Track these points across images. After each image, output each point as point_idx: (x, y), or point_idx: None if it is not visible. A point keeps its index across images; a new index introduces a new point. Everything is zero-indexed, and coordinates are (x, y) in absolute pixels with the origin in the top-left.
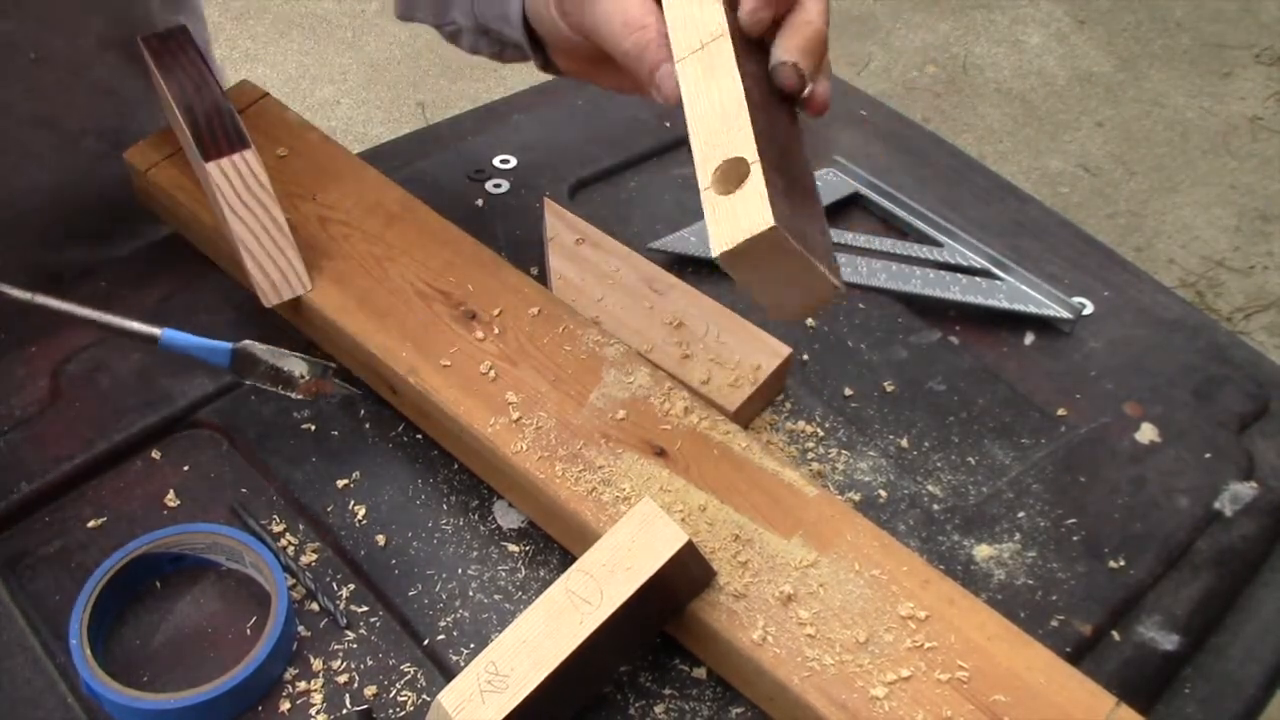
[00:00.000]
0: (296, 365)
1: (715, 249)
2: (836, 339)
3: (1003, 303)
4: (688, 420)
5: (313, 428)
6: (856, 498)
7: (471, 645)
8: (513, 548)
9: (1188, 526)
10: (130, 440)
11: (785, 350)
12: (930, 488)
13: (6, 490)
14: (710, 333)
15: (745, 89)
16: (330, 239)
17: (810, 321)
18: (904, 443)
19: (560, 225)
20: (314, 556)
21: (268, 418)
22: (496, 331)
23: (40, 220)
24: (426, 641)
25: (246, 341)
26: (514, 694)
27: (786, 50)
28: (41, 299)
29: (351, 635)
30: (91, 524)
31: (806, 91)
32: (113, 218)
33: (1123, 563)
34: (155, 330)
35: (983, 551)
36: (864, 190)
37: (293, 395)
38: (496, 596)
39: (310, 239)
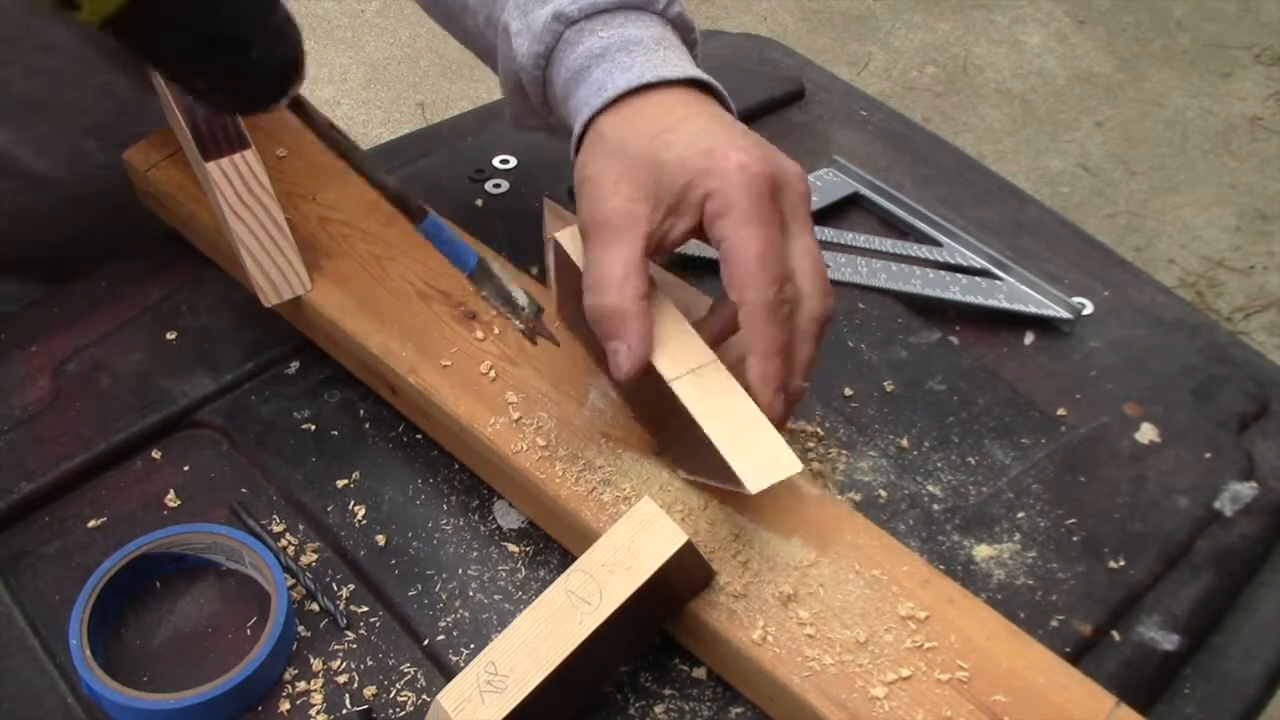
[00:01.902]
0: (521, 295)
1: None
2: (836, 339)
3: (1003, 303)
4: None
5: (313, 428)
6: (856, 498)
7: (471, 645)
8: (513, 548)
9: (1188, 526)
10: (130, 440)
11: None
12: (930, 488)
13: (6, 490)
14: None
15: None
16: (330, 239)
17: None
18: (904, 443)
19: (560, 225)
20: (314, 556)
21: (268, 418)
22: (496, 331)
23: (37, 215)
24: (426, 641)
25: (490, 257)
26: (513, 694)
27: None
28: None
29: (351, 635)
30: (91, 524)
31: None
32: (112, 217)
33: (1123, 563)
34: (425, 208)
35: (983, 551)
36: (864, 190)
37: (517, 322)
38: (496, 596)
39: (310, 239)
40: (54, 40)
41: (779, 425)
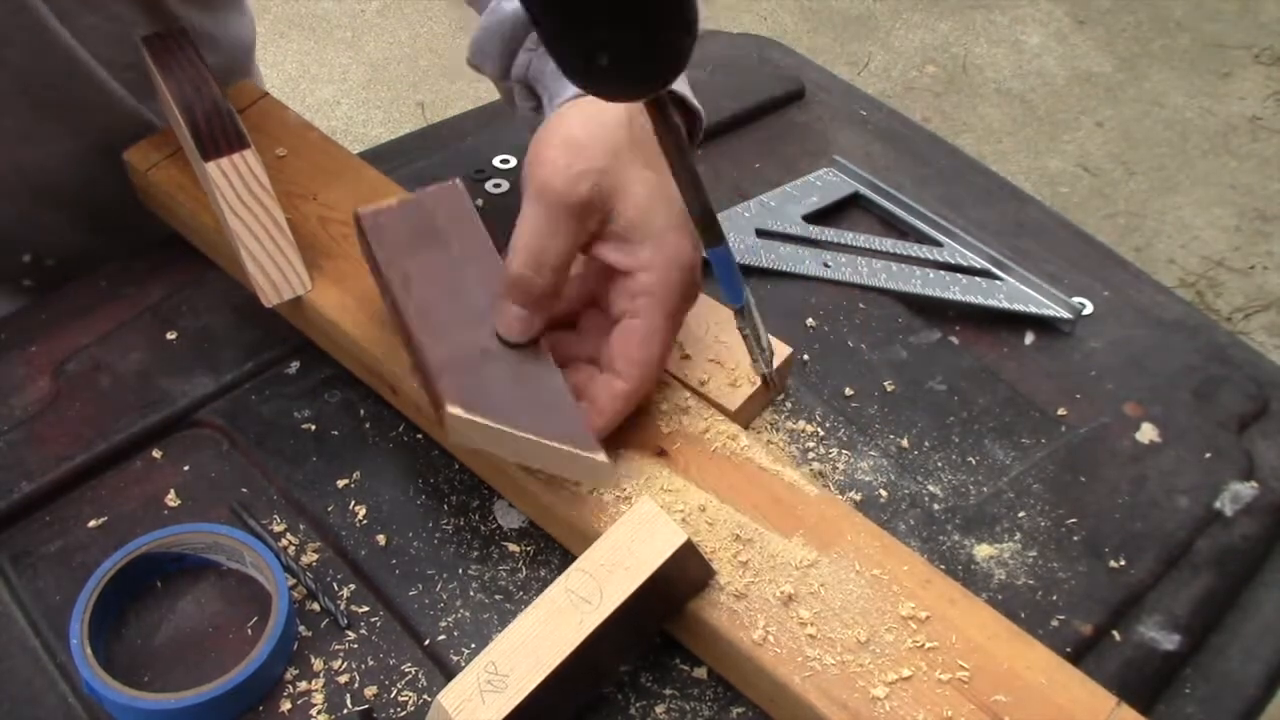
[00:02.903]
0: (766, 338)
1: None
2: (836, 339)
3: (1003, 303)
4: (688, 420)
5: (313, 428)
6: (857, 498)
7: (472, 645)
8: (513, 548)
9: (1188, 526)
10: (130, 440)
11: (785, 350)
12: (931, 487)
13: (7, 490)
14: (710, 333)
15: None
16: (330, 239)
17: (810, 321)
18: (904, 443)
19: None
20: (314, 556)
21: (268, 418)
22: None
23: (63, 193)
24: (427, 641)
25: (753, 300)
26: (514, 694)
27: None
28: None
29: (352, 635)
30: (92, 524)
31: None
32: (112, 217)
33: (1123, 563)
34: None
35: (983, 551)
36: (864, 190)
37: (762, 366)
38: (497, 596)
39: (310, 239)
40: (53, 41)
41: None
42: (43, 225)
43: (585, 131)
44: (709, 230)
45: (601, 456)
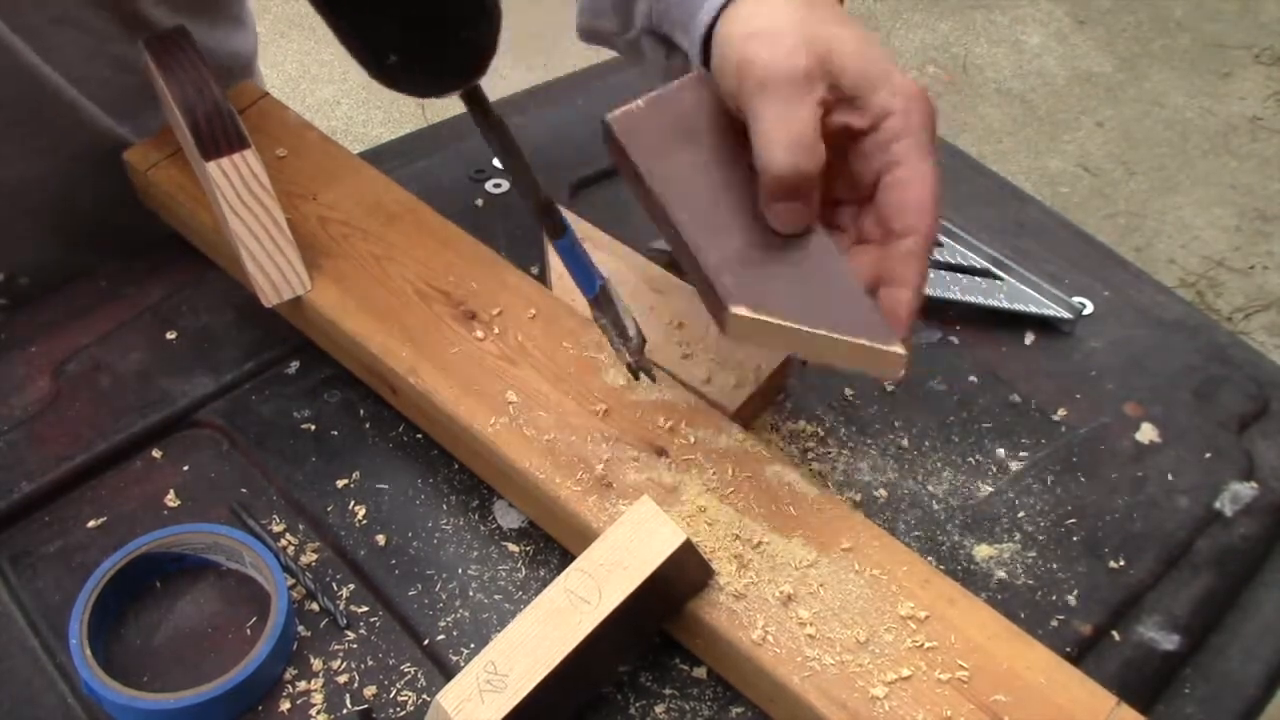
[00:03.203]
0: (633, 326)
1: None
2: None
3: (1003, 303)
4: (688, 420)
5: (313, 428)
6: (856, 498)
7: (472, 645)
8: (513, 548)
9: (1188, 526)
10: (130, 440)
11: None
12: (930, 487)
13: (6, 490)
14: (711, 333)
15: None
16: (330, 239)
17: None
18: (904, 442)
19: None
20: (314, 556)
21: (268, 418)
22: (496, 331)
23: (37, 211)
24: (426, 641)
25: (611, 284)
26: (513, 693)
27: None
28: None
29: (351, 635)
30: (91, 524)
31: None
32: (86, 236)
33: (1123, 563)
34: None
35: (983, 551)
36: None
37: (627, 355)
38: (496, 596)
39: (310, 239)
40: (52, 44)
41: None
42: (15, 244)
43: (769, 20)
44: (551, 223)
45: (899, 348)
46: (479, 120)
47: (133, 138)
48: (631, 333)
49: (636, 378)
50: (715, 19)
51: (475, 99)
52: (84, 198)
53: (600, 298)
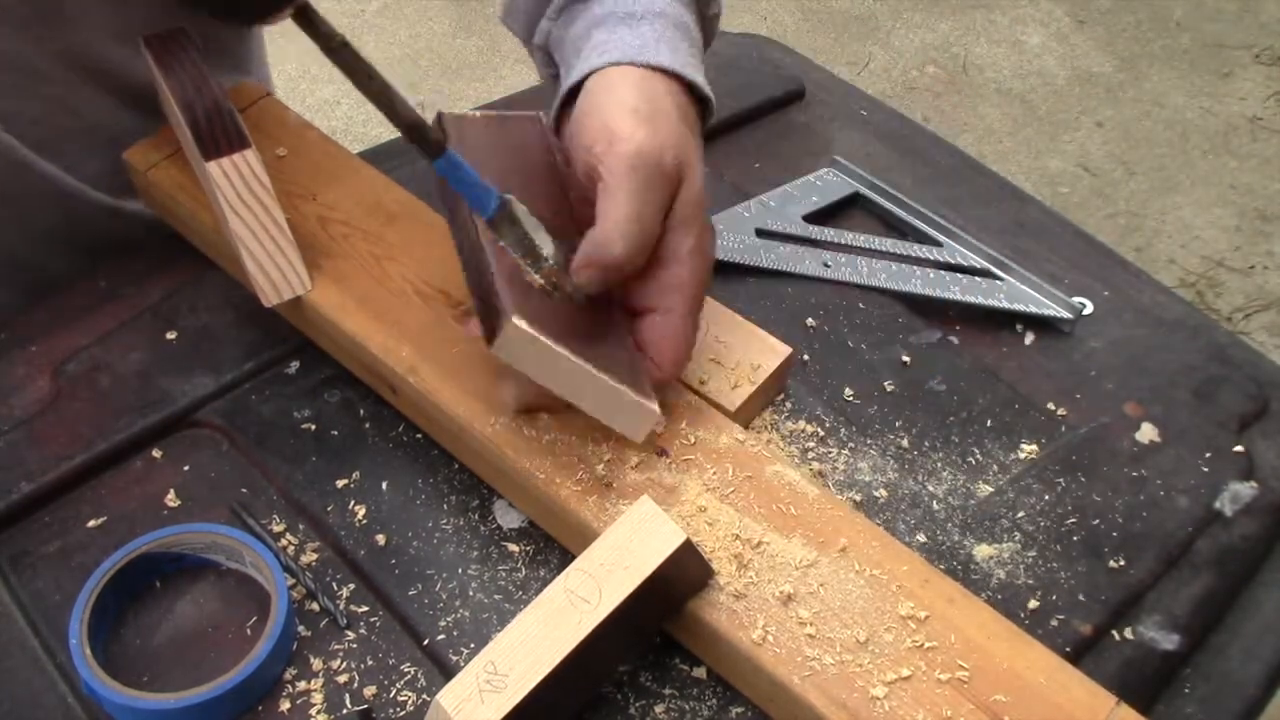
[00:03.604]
0: (547, 244)
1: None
2: (836, 339)
3: (1003, 303)
4: (687, 420)
5: (313, 428)
6: (856, 498)
7: (472, 645)
8: (513, 548)
9: (1188, 526)
10: (130, 440)
11: (785, 350)
12: (930, 487)
13: (6, 490)
14: (710, 333)
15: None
16: (330, 239)
17: (810, 321)
18: (904, 442)
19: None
20: (314, 556)
21: (268, 418)
22: None
23: (36, 216)
24: (426, 641)
25: (514, 197)
26: (513, 694)
27: (657, 355)
28: None
29: (351, 635)
30: (91, 524)
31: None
32: (50, 259)
33: (1123, 563)
34: (443, 143)
35: (983, 551)
36: (864, 190)
37: (537, 276)
38: (497, 596)
39: (310, 239)
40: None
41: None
42: (42, 226)
43: (645, 103)
44: (423, 141)
45: (654, 405)
46: (319, 43)
47: (65, 176)
48: (546, 252)
49: (552, 296)
50: (597, 70)
51: (306, 18)
52: (22, 242)
53: (499, 218)
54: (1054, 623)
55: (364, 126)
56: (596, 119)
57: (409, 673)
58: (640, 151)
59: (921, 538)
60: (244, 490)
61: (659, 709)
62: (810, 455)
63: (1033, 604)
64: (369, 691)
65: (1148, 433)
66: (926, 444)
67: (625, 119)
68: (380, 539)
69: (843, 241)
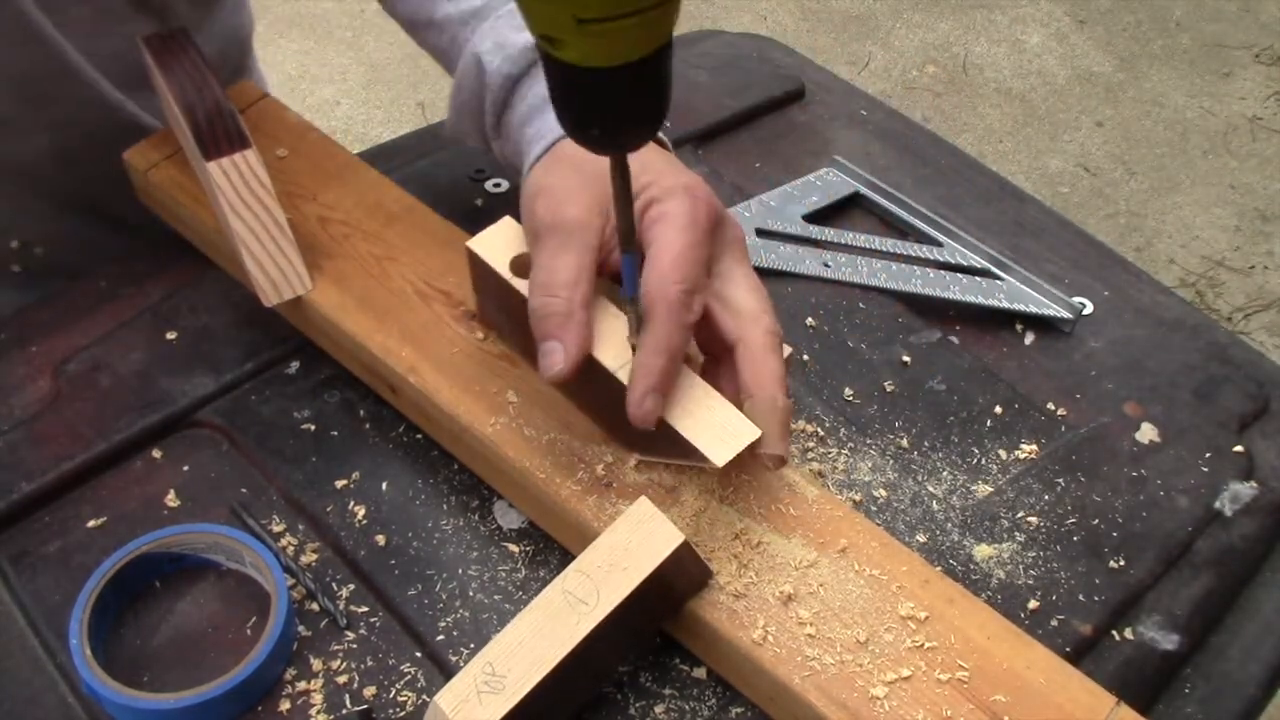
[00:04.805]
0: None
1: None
2: (836, 339)
3: (1003, 303)
4: None
5: (313, 428)
6: (856, 498)
7: (471, 645)
8: (513, 548)
9: (1188, 526)
10: (130, 440)
11: (785, 350)
12: (930, 487)
13: (6, 490)
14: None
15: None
16: (330, 239)
17: (810, 321)
18: (904, 442)
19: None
20: (314, 556)
21: (268, 418)
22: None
23: (50, 183)
24: (427, 642)
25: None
26: (511, 695)
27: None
28: None
29: (351, 635)
30: (91, 524)
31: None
32: (99, 208)
33: (1123, 563)
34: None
35: (983, 551)
36: (864, 190)
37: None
38: (496, 596)
39: (310, 239)
40: (38, 33)
41: (643, 424)
42: (28, 212)
43: (560, 178)
44: (628, 240)
45: (755, 432)
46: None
47: (141, 113)
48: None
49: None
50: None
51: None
52: (95, 172)
53: (635, 299)
54: (1054, 623)
55: (364, 126)
56: (525, 209)
57: (409, 673)
58: (538, 226)
59: (921, 538)
60: (244, 490)
61: (659, 709)
62: (810, 455)
63: (1033, 604)
64: (369, 692)
65: (1148, 433)
66: (926, 444)
67: (535, 202)
68: (380, 539)
69: (843, 241)
